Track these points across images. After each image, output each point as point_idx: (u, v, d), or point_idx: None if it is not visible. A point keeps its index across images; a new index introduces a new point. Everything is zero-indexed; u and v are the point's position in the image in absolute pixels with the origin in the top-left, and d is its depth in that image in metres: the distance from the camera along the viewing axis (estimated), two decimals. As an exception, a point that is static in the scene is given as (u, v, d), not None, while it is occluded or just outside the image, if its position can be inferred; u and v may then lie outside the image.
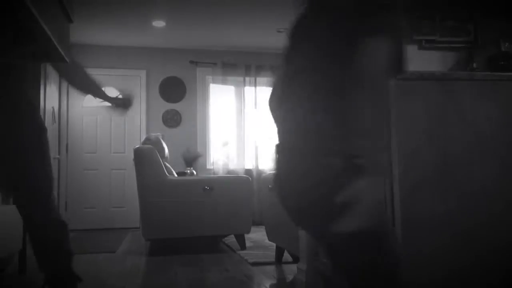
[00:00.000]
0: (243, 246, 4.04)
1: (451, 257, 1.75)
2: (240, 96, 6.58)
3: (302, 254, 2.84)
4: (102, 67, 6.09)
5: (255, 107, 6.55)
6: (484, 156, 1.83)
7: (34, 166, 2.00)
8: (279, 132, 1.13)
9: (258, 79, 6.62)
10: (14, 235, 3.23)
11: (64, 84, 6.61)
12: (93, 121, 6.51)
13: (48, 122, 5.89)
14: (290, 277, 3.08)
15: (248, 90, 6.54)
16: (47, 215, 2.01)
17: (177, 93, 6.45)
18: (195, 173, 5.58)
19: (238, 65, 6.48)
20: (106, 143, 6.43)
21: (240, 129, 6.55)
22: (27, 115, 2.04)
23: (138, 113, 6.32)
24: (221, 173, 6.23)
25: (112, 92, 3.06)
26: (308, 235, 2.74)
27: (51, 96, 6.05)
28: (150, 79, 6.41)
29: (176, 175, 4.75)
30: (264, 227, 3.85)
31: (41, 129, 2.06)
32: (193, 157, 6.06)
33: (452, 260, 1.75)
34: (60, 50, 2.07)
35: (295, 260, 3.25)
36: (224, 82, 6.53)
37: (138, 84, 6.34)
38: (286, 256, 3.56)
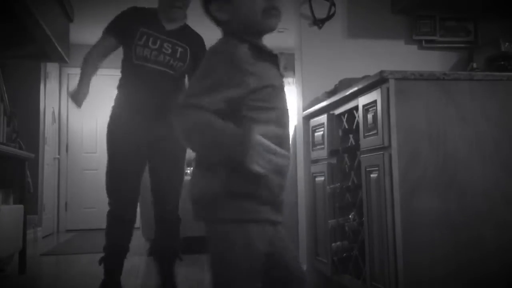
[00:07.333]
0: (243, 246, 4.04)
1: (451, 257, 1.75)
2: (240, 96, 6.59)
3: (302, 254, 2.84)
4: (102, 67, 6.08)
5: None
6: (484, 156, 1.83)
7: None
8: None
9: (258, 79, 6.60)
10: (14, 235, 3.23)
11: (64, 84, 6.61)
12: (93, 121, 6.51)
13: (48, 122, 5.89)
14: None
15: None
16: (177, 212, 2.55)
17: (177, 93, 6.45)
18: (195, 173, 5.57)
19: (238, 65, 6.48)
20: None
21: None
22: None
23: (138, 113, 6.31)
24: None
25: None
26: (307, 235, 2.75)
27: (51, 96, 6.05)
28: (150, 79, 6.41)
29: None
30: (264, 227, 3.84)
31: None
32: (193, 158, 6.05)
33: (453, 260, 1.75)
34: (60, 50, 2.08)
35: (295, 260, 3.25)
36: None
37: (138, 84, 6.34)
38: (286, 256, 3.55)
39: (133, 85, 2.45)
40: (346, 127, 2.30)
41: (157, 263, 2.62)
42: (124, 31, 2.45)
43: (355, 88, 2.06)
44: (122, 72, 2.55)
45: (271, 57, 1.18)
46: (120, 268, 2.49)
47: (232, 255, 1.10)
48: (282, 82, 1.21)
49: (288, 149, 1.17)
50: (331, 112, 2.43)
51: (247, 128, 1.05)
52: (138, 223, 2.61)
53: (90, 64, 2.51)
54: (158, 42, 2.41)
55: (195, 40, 2.53)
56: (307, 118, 2.78)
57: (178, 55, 2.43)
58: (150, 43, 2.39)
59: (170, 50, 2.42)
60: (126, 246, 2.50)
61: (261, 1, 1.15)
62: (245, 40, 1.15)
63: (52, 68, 6.06)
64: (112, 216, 2.46)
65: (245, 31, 1.17)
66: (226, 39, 1.19)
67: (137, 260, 3.75)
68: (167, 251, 2.58)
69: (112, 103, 2.54)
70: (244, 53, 1.12)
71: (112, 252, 2.47)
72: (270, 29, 1.20)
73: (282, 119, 1.18)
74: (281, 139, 1.14)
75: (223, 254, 1.12)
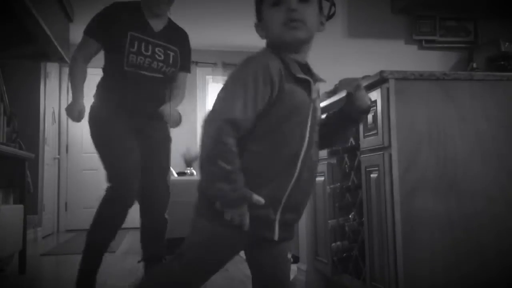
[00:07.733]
0: (243, 246, 4.04)
1: (452, 258, 1.75)
2: (240, 96, 6.59)
3: (302, 254, 2.84)
4: (100, 67, 6.08)
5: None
6: (484, 156, 1.83)
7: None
8: None
9: (258, 79, 6.61)
10: (14, 235, 3.23)
11: (64, 84, 6.61)
12: (93, 121, 6.50)
13: (48, 122, 5.89)
14: (290, 277, 3.08)
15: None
16: (163, 212, 2.47)
17: (177, 93, 6.44)
18: (195, 173, 5.58)
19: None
20: (106, 143, 6.43)
21: (240, 129, 6.55)
22: (168, 131, 2.53)
23: (138, 113, 6.31)
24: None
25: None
26: (307, 235, 2.75)
27: (51, 96, 6.05)
28: (150, 79, 6.41)
29: (176, 175, 4.75)
30: (264, 227, 3.84)
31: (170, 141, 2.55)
32: (193, 157, 6.06)
33: (453, 260, 1.75)
34: (60, 50, 2.07)
35: (295, 260, 3.25)
36: (224, 82, 6.54)
37: (138, 84, 6.34)
38: (286, 256, 3.54)
39: (121, 88, 2.35)
40: (346, 127, 2.30)
41: (146, 266, 2.56)
42: (111, 34, 2.33)
43: (355, 88, 2.06)
44: (106, 74, 2.44)
45: (302, 82, 1.19)
46: (98, 267, 2.37)
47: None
48: (308, 110, 1.21)
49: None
50: (331, 112, 2.42)
51: (247, 193, 1.12)
52: (138, 223, 2.60)
53: (78, 75, 2.40)
54: (150, 48, 2.34)
55: (182, 38, 2.53)
56: (307, 118, 2.77)
57: (170, 60, 2.40)
58: (143, 50, 2.31)
59: (162, 56, 2.37)
60: (108, 245, 2.40)
61: (279, 14, 1.18)
62: (278, 56, 1.19)
63: (52, 68, 6.06)
64: (113, 199, 2.33)
65: (275, 46, 1.21)
66: (264, 51, 1.22)
67: (137, 260, 3.74)
68: (157, 255, 2.51)
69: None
70: (276, 67, 1.15)
71: (96, 250, 2.38)
72: (294, 41, 1.21)
73: (287, 148, 1.18)
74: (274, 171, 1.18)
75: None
